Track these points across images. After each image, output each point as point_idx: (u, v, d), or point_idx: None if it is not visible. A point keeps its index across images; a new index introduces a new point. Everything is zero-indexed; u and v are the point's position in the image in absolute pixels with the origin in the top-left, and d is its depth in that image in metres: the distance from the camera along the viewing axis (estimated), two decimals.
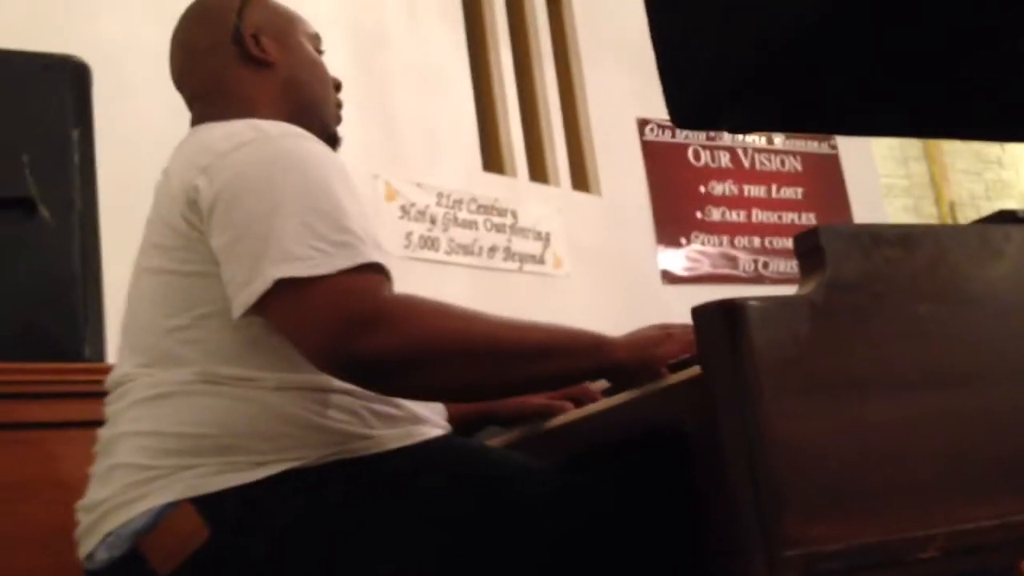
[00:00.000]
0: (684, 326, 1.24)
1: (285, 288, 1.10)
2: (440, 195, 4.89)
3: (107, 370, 1.70)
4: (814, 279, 1.12)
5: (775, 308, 1.08)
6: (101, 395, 1.33)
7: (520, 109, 5.50)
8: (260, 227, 1.13)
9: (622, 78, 5.69)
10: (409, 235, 4.71)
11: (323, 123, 1.41)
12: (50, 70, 1.86)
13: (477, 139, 5.21)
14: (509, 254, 5.09)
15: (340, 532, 1.12)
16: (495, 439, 1.46)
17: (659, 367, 1.21)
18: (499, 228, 5.09)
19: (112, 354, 1.83)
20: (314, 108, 1.41)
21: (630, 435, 1.21)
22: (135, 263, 1.31)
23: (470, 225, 4.98)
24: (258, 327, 1.17)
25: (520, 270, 5.13)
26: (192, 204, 1.18)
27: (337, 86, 1.48)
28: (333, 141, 1.43)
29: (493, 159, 5.33)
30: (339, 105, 1.48)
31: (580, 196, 5.59)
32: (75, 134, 1.85)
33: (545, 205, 5.33)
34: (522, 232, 5.18)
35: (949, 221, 7.34)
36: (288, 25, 1.44)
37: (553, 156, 5.53)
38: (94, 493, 1.20)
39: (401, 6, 5.05)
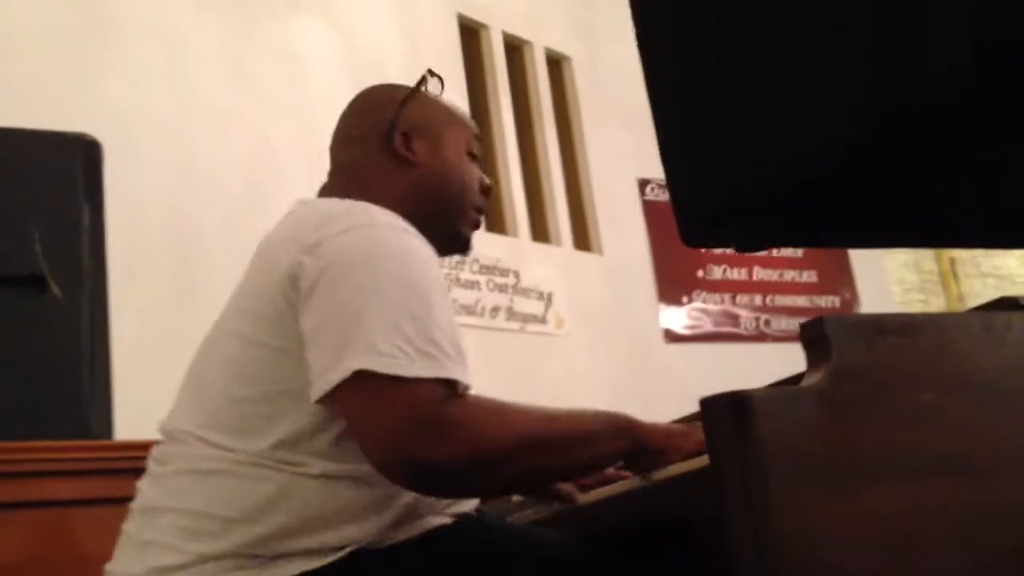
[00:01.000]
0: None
1: (362, 381, 1.11)
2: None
3: (115, 447, 1.71)
4: (821, 368, 1.13)
5: (781, 398, 1.09)
6: (110, 472, 1.34)
7: (522, 169, 5.55)
8: (351, 316, 1.14)
9: (623, 139, 5.76)
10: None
11: (454, 225, 1.43)
12: (62, 148, 1.89)
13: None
14: (511, 314, 5.11)
15: None
16: (513, 516, 1.47)
17: (677, 457, 1.23)
18: (501, 288, 5.11)
19: (121, 431, 1.84)
20: (446, 209, 1.41)
21: (640, 523, 1.21)
22: (217, 322, 1.32)
23: (472, 285, 5.00)
24: (318, 416, 1.17)
25: (522, 330, 5.15)
26: (293, 280, 1.19)
27: (486, 189, 1.48)
28: (462, 246, 1.46)
29: (495, 219, 5.37)
30: (481, 210, 1.48)
31: (582, 256, 5.62)
32: (86, 211, 1.87)
33: (547, 265, 5.36)
34: (524, 292, 5.20)
35: (949, 278, 7.37)
36: (444, 127, 1.45)
37: (555, 216, 5.57)
38: (126, 564, 1.20)
39: (404, 70, 5.12)
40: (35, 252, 1.79)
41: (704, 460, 1.12)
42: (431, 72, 1.48)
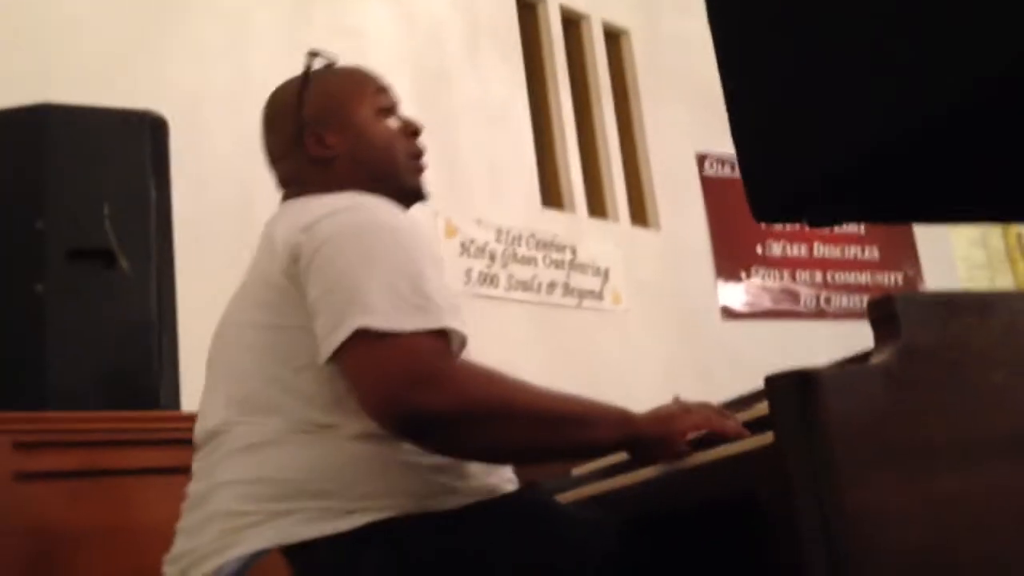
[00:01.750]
0: (702, 404, 1.32)
1: (361, 338, 1.17)
2: (500, 231, 4.92)
3: (182, 417, 1.75)
4: (888, 347, 1.11)
5: (849, 377, 1.08)
6: (177, 442, 1.37)
7: (579, 145, 5.52)
8: (349, 282, 1.21)
9: (681, 114, 5.69)
10: (469, 272, 4.74)
11: (397, 185, 1.46)
12: (129, 124, 1.93)
13: (536, 175, 5.24)
14: (568, 290, 5.10)
15: None
16: (567, 493, 1.47)
17: (678, 441, 1.25)
18: (558, 264, 5.11)
19: (187, 401, 1.88)
20: (383, 177, 1.45)
21: (703, 500, 1.21)
22: (227, 320, 1.38)
23: (529, 261, 5.00)
24: (344, 381, 1.22)
25: (579, 306, 5.14)
26: (295, 260, 1.26)
27: (414, 131, 1.50)
28: (415, 196, 1.49)
29: (552, 195, 5.35)
30: (417, 154, 1.50)
31: (639, 231, 5.59)
32: (152, 186, 1.91)
33: (604, 241, 5.34)
34: (581, 268, 5.19)
35: (1017, 254, 7.19)
36: (344, 106, 1.47)
37: (612, 192, 5.54)
38: (182, 544, 1.24)
39: (462, 45, 5.11)
40: (104, 227, 1.82)
41: (767, 438, 1.11)
42: (311, 54, 1.49)
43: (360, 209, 1.30)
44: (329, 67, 1.51)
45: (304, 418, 1.22)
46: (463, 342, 1.23)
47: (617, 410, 1.27)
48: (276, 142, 1.49)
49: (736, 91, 0.65)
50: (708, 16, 0.68)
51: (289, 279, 1.27)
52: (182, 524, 1.27)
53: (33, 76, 3.26)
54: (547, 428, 1.23)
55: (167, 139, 1.99)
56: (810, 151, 0.62)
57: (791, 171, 0.63)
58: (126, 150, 1.91)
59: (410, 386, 1.15)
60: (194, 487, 1.29)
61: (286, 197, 1.47)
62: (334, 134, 1.44)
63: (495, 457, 1.29)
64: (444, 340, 1.20)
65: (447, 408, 1.15)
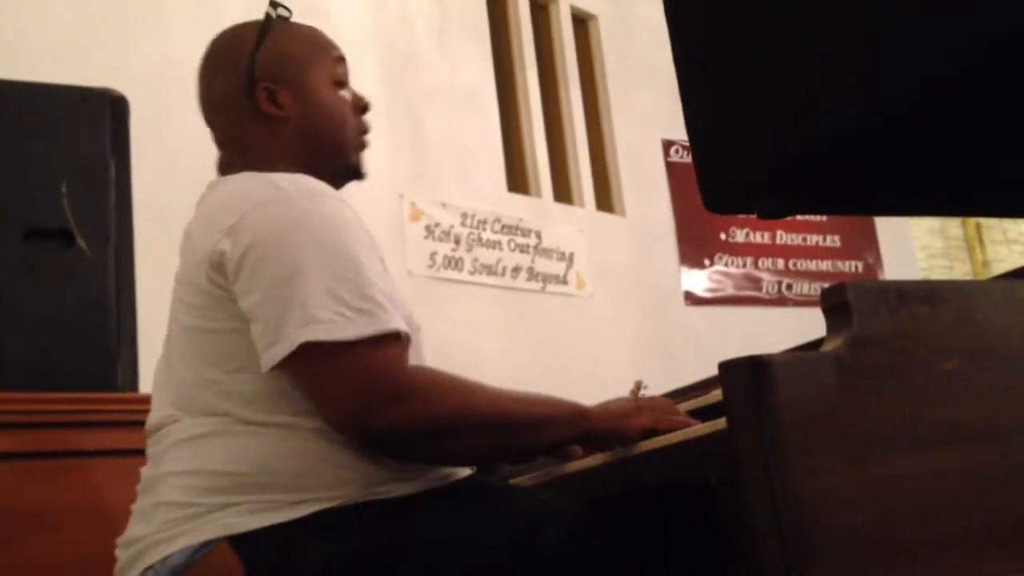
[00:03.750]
0: (655, 399, 1.33)
1: (309, 351, 1.14)
2: (465, 215, 4.92)
3: (139, 399, 1.74)
4: (841, 335, 1.13)
5: (800, 364, 1.09)
6: (134, 424, 1.36)
7: (546, 130, 5.52)
8: (283, 291, 1.16)
9: (648, 100, 5.71)
10: (433, 255, 4.73)
11: (342, 162, 1.41)
12: (88, 103, 1.90)
13: (503, 160, 5.24)
14: (532, 274, 5.11)
15: (374, 574, 1.14)
16: (521, 477, 1.48)
17: (630, 437, 1.26)
18: (523, 248, 5.11)
19: (144, 384, 1.86)
20: (330, 152, 1.40)
21: (655, 484, 1.22)
22: (170, 317, 1.34)
23: (494, 245, 5.00)
24: (287, 379, 1.20)
25: (543, 290, 5.15)
26: (218, 267, 1.21)
27: (363, 108, 1.45)
28: (355, 174, 1.44)
29: (518, 180, 5.35)
30: (364, 131, 1.45)
31: (604, 217, 5.61)
32: (112, 166, 1.88)
33: (569, 225, 5.35)
34: (546, 252, 5.20)
35: (975, 243, 7.30)
36: (304, 67, 1.40)
37: (578, 177, 5.55)
38: (135, 530, 1.23)
39: (431, 29, 5.09)
40: (62, 206, 1.80)
41: (720, 423, 1.13)
42: (273, 4, 1.41)
43: (287, 201, 1.22)
44: (288, 21, 1.43)
45: (244, 417, 1.20)
46: (409, 337, 1.21)
47: (571, 406, 1.28)
48: (219, 87, 1.40)
49: (690, 81, 0.66)
50: (664, 5, 0.68)
51: (214, 285, 1.22)
52: (136, 506, 1.26)
53: None
54: (510, 432, 1.23)
55: (128, 118, 1.97)
56: (761, 143, 0.63)
57: (742, 162, 0.64)
58: (85, 128, 1.88)
59: (376, 403, 1.14)
60: (145, 471, 1.28)
61: (221, 170, 1.41)
62: (288, 95, 1.38)
63: (462, 463, 1.29)
64: (397, 345, 1.18)
65: (415, 422, 1.15)
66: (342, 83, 1.44)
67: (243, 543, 1.14)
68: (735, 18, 0.62)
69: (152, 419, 1.31)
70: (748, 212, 0.66)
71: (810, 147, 0.61)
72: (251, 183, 1.28)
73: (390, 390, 1.15)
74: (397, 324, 1.18)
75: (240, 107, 1.37)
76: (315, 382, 1.16)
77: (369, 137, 1.47)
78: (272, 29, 1.40)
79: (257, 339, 1.18)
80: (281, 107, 1.37)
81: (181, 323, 1.28)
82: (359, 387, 1.14)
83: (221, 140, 1.42)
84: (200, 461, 1.19)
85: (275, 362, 1.16)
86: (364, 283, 1.18)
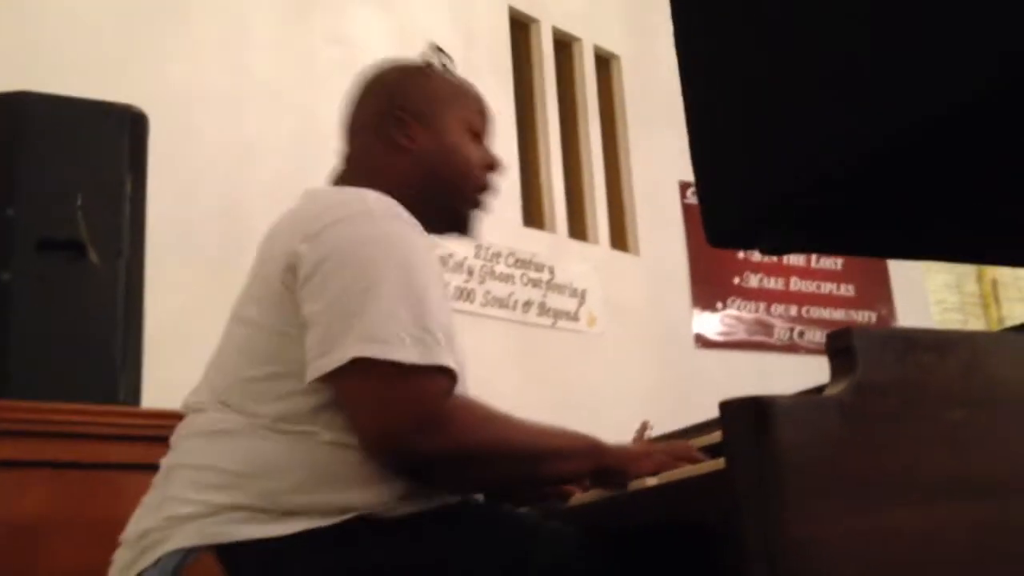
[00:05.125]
0: (672, 444, 1.37)
1: (360, 367, 1.16)
2: (479, 247, 4.93)
3: (140, 414, 1.74)
4: (845, 380, 1.12)
5: (802, 407, 1.08)
6: (134, 438, 1.36)
7: (564, 166, 5.54)
8: (349, 304, 1.18)
9: (667, 140, 5.73)
10: (445, 286, 4.74)
11: (449, 209, 1.44)
12: (109, 117, 1.92)
13: (519, 194, 5.26)
14: (544, 310, 5.11)
15: None
16: (524, 508, 1.47)
17: (631, 479, 1.28)
18: (535, 283, 5.11)
19: (147, 399, 1.87)
20: (441, 195, 1.42)
21: (656, 521, 1.21)
22: (233, 308, 1.36)
23: (507, 279, 5.00)
24: (324, 395, 1.21)
25: (554, 326, 5.14)
26: (291, 268, 1.24)
27: (491, 166, 1.48)
28: (460, 227, 1.46)
29: (534, 214, 5.37)
30: (483, 188, 1.47)
31: (618, 255, 5.61)
32: (128, 181, 1.90)
33: (583, 262, 5.35)
34: (558, 288, 5.20)
35: (991, 300, 7.26)
36: (444, 108, 1.45)
37: (594, 214, 5.56)
38: (142, 522, 1.23)
39: (455, 62, 5.13)
40: (76, 218, 1.82)
41: (720, 463, 1.12)
42: (435, 47, 1.49)
43: (369, 220, 1.25)
44: (448, 69, 1.50)
45: (272, 423, 1.21)
46: (457, 376, 1.22)
47: (588, 440, 1.30)
48: (361, 112, 1.47)
49: (696, 116, 0.66)
50: (675, 40, 0.69)
51: (285, 287, 1.24)
52: (146, 498, 1.27)
53: (24, 67, 3.25)
54: (532, 463, 1.26)
55: (146, 135, 1.99)
56: (765, 178, 0.63)
57: (745, 197, 0.64)
58: (103, 142, 1.90)
59: (412, 429, 1.16)
60: (165, 461, 1.30)
61: (332, 180, 1.46)
62: (421, 130, 1.42)
63: (482, 490, 1.32)
64: (445, 378, 1.20)
65: (446, 452, 1.17)
66: (478, 135, 1.47)
67: (229, 553, 1.14)
68: (744, 53, 0.63)
69: (188, 398, 1.33)
70: (750, 248, 0.66)
71: (812, 183, 0.60)
72: (342, 195, 1.32)
73: (430, 418, 1.17)
74: (449, 361, 1.20)
75: (374, 131, 1.43)
76: (359, 398, 1.18)
77: (489, 198, 1.49)
78: (428, 69, 1.47)
79: (310, 347, 1.20)
80: (410, 139, 1.41)
81: (241, 314, 1.31)
82: (401, 410, 1.16)
83: (348, 156, 1.47)
84: (211, 457, 1.21)
85: (324, 372, 1.17)
86: (427, 313, 1.19)
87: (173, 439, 1.31)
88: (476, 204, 1.46)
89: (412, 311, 1.18)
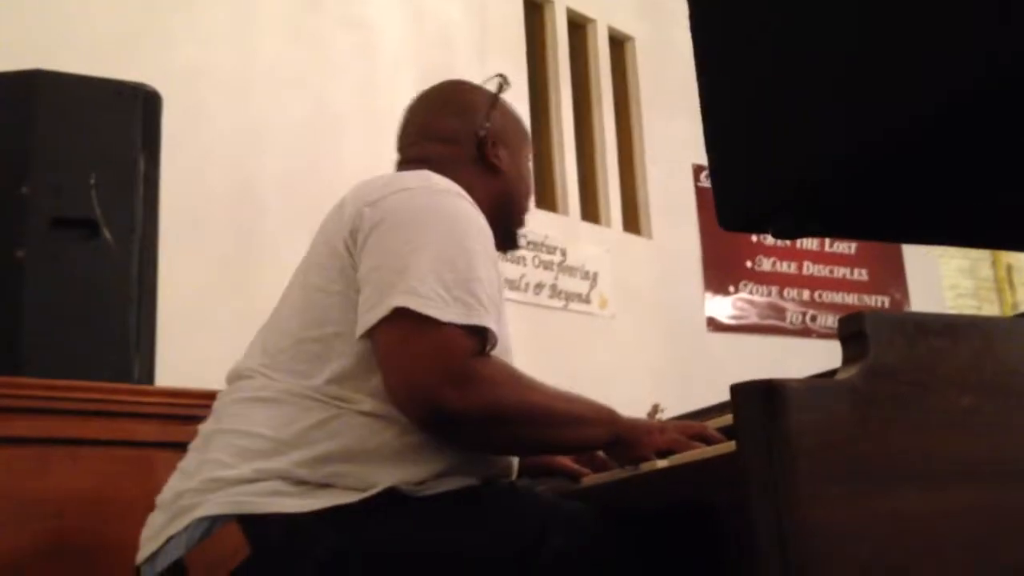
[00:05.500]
0: (687, 423, 1.39)
1: (399, 318, 1.20)
2: None
3: (155, 392, 1.75)
4: (856, 364, 1.12)
5: (813, 391, 1.08)
6: (148, 416, 1.37)
7: (577, 148, 5.53)
8: (398, 262, 1.24)
9: (681, 124, 5.71)
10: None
11: (512, 229, 1.59)
12: (122, 96, 1.92)
13: (533, 176, 5.25)
14: (555, 292, 5.11)
15: (377, 572, 1.15)
16: (540, 488, 1.49)
17: (646, 452, 1.31)
18: (547, 265, 5.11)
19: (161, 377, 1.88)
20: (509, 215, 1.57)
21: (664, 502, 1.22)
22: (293, 279, 1.42)
23: (518, 260, 5.00)
24: (372, 356, 1.25)
25: (565, 308, 5.14)
26: (355, 231, 1.30)
27: (530, 191, 1.66)
28: (514, 242, 1.61)
29: (547, 197, 5.36)
30: (527, 211, 1.65)
31: (631, 238, 5.60)
32: (142, 160, 1.90)
33: (595, 245, 5.35)
34: (570, 270, 5.19)
35: (1005, 285, 7.23)
36: (520, 139, 1.61)
37: (607, 197, 5.55)
38: (178, 485, 1.26)
39: (470, 45, 5.11)
40: (90, 197, 1.82)
41: (731, 445, 1.12)
42: (503, 77, 1.60)
43: (430, 191, 1.33)
44: (501, 91, 1.61)
45: (319, 386, 1.25)
46: (495, 344, 1.26)
47: (607, 409, 1.34)
48: (448, 124, 1.56)
49: (710, 100, 0.66)
50: (690, 24, 0.68)
51: (345, 247, 1.30)
52: (183, 463, 1.30)
53: (36, 47, 3.25)
54: (557, 427, 1.29)
55: (160, 113, 1.99)
56: (778, 162, 0.62)
57: (758, 181, 0.64)
58: (117, 121, 1.90)
59: (439, 382, 1.18)
60: (205, 427, 1.33)
61: (399, 169, 1.54)
62: (506, 154, 1.55)
63: (506, 452, 1.35)
64: (479, 338, 1.23)
65: (473, 409, 1.19)
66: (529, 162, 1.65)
67: (253, 524, 1.16)
68: (758, 39, 0.62)
69: (236, 367, 1.37)
70: (762, 231, 0.66)
71: (826, 170, 0.60)
72: (409, 174, 1.40)
73: (458, 374, 1.20)
74: (489, 323, 1.24)
75: (463, 146, 1.54)
76: (392, 348, 1.21)
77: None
78: (502, 100, 1.60)
79: (361, 303, 1.25)
80: (500, 160, 1.54)
81: (304, 281, 1.36)
82: (432, 363, 1.19)
83: (415, 160, 1.54)
84: (253, 423, 1.25)
85: (370, 324, 1.22)
86: (472, 277, 1.25)
87: (216, 404, 1.35)
88: (523, 224, 1.63)
89: (456, 274, 1.23)
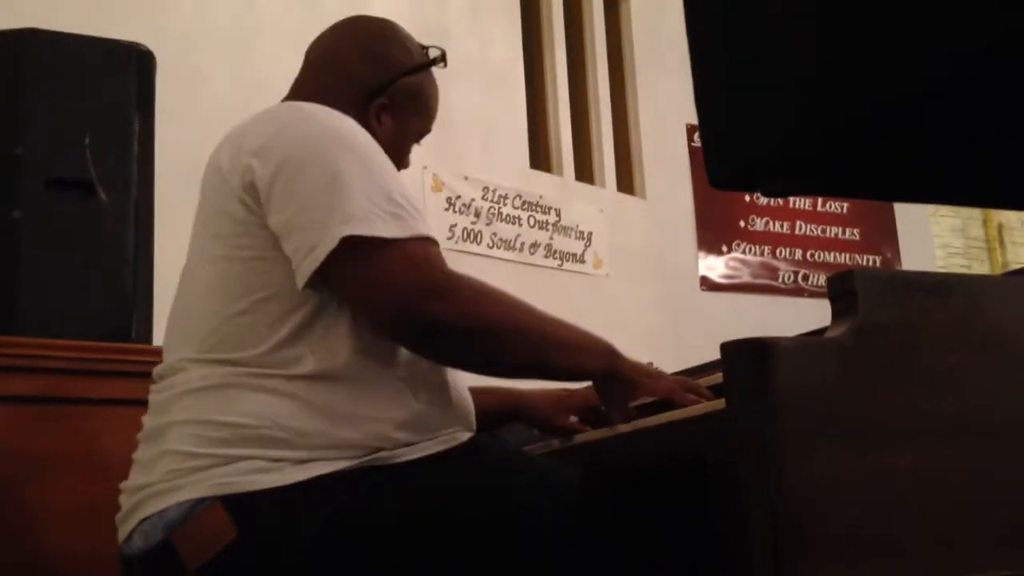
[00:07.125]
0: (682, 378, 1.38)
1: (352, 249, 1.16)
2: (486, 189, 4.92)
3: (152, 351, 1.76)
4: (845, 322, 1.13)
5: (803, 349, 1.10)
6: (145, 375, 1.38)
7: (571, 109, 5.50)
8: (322, 198, 1.19)
9: (675, 83, 5.67)
10: (453, 227, 4.74)
11: None
12: (115, 56, 1.91)
13: (527, 137, 5.23)
14: (550, 251, 5.12)
15: (366, 545, 1.15)
16: (529, 447, 1.49)
17: (639, 393, 1.31)
18: (542, 225, 5.11)
19: (158, 337, 1.88)
20: None
21: (654, 459, 1.23)
22: (189, 257, 1.35)
23: (514, 221, 5.00)
24: (310, 310, 1.21)
25: (560, 268, 5.15)
26: (249, 187, 1.24)
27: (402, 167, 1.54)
28: None
29: (541, 157, 5.34)
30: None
31: (625, 198, 5.59)
32: (136, 120, 1.90)
33: (589, 205, 5.34)
34: (564, 230, 5.20)
35: (996, 244, 7.24)
36: (415, 115, 1.50)
37: (601, 157, 5.53)
38: (137, 477, 1.24)
39: (464, 5, 5.07)
40: (85, 157, 1.82)
41: (720, 403, 1.13)
42: (442, 55, 1.52)
43: (310, 120, 1.28)
44: (431, 64, 1.53)
45: (261, 356, 1.20)
46: (438, 243, 1.25)
47: (606, 342, 1.32)
48: (355, 65, 1.47)
49: (699, 58, 0.66)
50: None
51: (247, 209, 1.24)
52: (137, 455, 1.27)
53: (29, 6, 3.22)
54: (549, 349, 1.27)
55: (154, 72, 1.98)
56: (767, 120, 0.63)
57: (748, 140, 0.64)
58: (111, 81, 1.90)
59: (422, 295, 1.16)
60: (149, 421, 1.28)
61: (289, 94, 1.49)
62: (390, 122, 1.47)
63: (492, 370, 1.32)
64: (435, 246, 1.22)
65: (458, 320, 1.18)
66: (417, 143, 1.55)
67: (238, 504, 1.14)
68: None
69: (160, 367, 1.32)
70: (752, 190, 0.66)
71: (816, 128, 0.61)
72: (278, 109, 1.35)
73: (436, 284, 1.18)
74: (426, 230, 1.22)
75: (354, 91, 1.44)
76: (357, 278, 1.18)
77: None
78: (423, 72, 1.51)
79: (294, 252, 1.20)
80: (380, 125, 1.45)
81: (207, 256, 1.29)
82: (404, 279, 1.17)
83: (305, 81, 1.50)
84: (208, 411, 1.20)
85: (316, 265, 1.17)
86: (393, 190, 1.22)
87: (156, 399, 1.28)
88: None
89: (381, 191, 1.20)
